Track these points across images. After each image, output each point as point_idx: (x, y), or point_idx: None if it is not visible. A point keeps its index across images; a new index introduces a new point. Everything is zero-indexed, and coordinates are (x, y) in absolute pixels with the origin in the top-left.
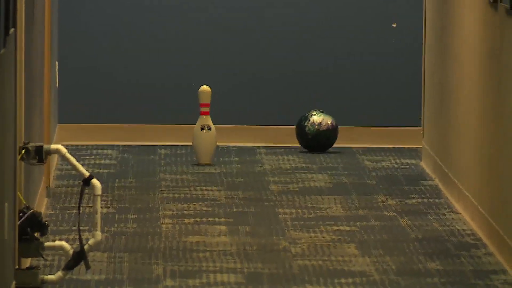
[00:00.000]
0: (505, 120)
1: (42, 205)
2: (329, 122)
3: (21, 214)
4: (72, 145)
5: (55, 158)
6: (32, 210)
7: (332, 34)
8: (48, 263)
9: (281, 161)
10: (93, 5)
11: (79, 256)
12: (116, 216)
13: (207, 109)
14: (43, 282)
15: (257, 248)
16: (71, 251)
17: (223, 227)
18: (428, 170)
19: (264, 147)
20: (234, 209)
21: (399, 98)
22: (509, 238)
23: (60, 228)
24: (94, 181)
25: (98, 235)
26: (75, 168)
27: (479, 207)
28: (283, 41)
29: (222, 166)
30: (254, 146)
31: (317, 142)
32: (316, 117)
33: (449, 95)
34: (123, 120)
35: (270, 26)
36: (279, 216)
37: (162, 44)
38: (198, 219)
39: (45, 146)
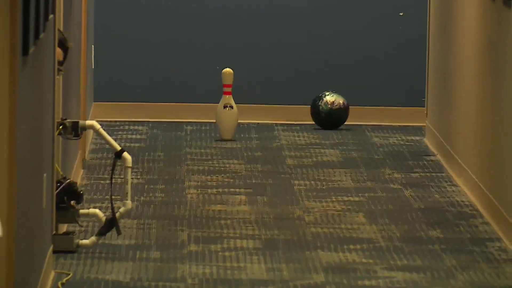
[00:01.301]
0: (501, 103)
1: (78, 176)
2: (341, 102)
3: (58, 184)
4: (105, 121)
5: (90, 133)
6: (68, 180)
7: (344, 22)
8: (82, 229)
9: (296, 138)
10: None
11: (111, 223)
12: (145, 186)
13: (229, 90)
14: (78, 246)
15: (273, 216)
16: (103, 218)
17: (243, 197)
18: (431, 147)
19: (281, 124)
20: (253, 181)
21: (405, 81)
22: (504, 209)
23: (94, 197)
24: (125, 154)
25: (129, 204)
26: (108, 142)
27: (477, 181)
28: (299, 28)
29: (243, 141)
30: (272, 123)
31: (330, 120)
32: (329, 97)
33: (450, 79)
34: (153, 99)
35: (287, 13)
36: (294, 187)
37: (189, 31)
38: (220, 190)
39: (81, 122)
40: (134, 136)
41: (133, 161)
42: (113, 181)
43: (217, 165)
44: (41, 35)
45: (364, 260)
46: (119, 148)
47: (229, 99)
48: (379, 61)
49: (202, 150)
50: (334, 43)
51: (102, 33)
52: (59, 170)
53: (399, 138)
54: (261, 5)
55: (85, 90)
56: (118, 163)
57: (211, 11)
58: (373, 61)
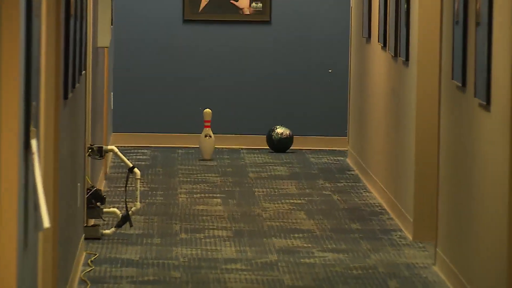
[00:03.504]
0: (401, 133)
1: (102, 185)
2: (288, 132)
3: (88, 191)
4: (121, 146)
5: (110, 155)
6: (95, 188)
7: (289, 76)
8: (105, 222)
9: (256, 158)
10: (138, 54)
11: (125, 218)
12: (149, 192)
13: (208, 124)
14: (102, 235)
15: (240, 214)
16: (120, 215)
17: (218, 200)
18: (351, 164)
19: (245, 149)
20: (226, 189)
21: (332, 117)
22: (403, 208)
23: (113, 200)
24: (136, 170)
25: (138, 204)
26: (123, 161)
27: (384, 188)
28: (260, 83)
29: (218, 161)
30: (239, 148)
31: (279, 146)
32: (279, 129)
33: (365, 116)
34: (154, 130)
35: (250, 71)
36: (255, 193)
37: (179, 84)
38: (202, 195)
39: (104, 147)
40: (141, 157)
41: (141, 175)
42: (127, 188)
43: (200, 177)
44: (77, 85)
45: (305, 245)
46: (131, 165)
47: (208, 130)
48: (315, 104)
49: (189, 167)
50: (283, 93)
51: (119, 85)
52: (89, 180)
53: (329, 158)
54: (235, 69)
55: (107, 124)
56: (130, 176)
57: (197, 71)
58: (310, 103)
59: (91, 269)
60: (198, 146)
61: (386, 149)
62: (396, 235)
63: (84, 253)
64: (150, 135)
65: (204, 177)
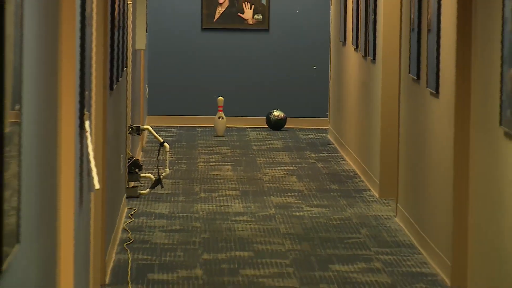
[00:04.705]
0: (370, 115)
1: (139, 156)
2: (282, 115)
3: (128, 160)
4: (154, 125)
5: (145, 133)
6: (134, 158)
7: (285, 68)
8: (142, 185)
9: (258, 135)
10: (166, 54)
11: (157, 181)
12: (176, 161)
13: (221, 108)
14: (140, 194)
15: (246, 178)
16: (153, 179)
17: (229, 167)
18: (331, 139)
19: (249, 127)
20: (235, 158)
21: (317, 103)
22: (371, 173)
23: (148, 167)
24: (165, 144)
25: (167, 171)
26: (155, 137)
27: (356, 157)
28: (263, 74)
29: (229, 137)
30: (245, 127)
31: (276, 125)
32: (276, 112)
33: (342, 103)
34: (180, 113)
35: (253, 67)
36: (257, 162)
37: (198, 75)
38: (216, 163)
39: (141, 126)
40: (169, 134)
41: (169, 148)
42: (159, 158)
43: (214, 150)
44: (120, 79)
45: (296, 201)
46: (161, 140)
47: (221, 113)
48: (303, 93)
49: (206, 142)
50: (279, 84)
51: (151, 77)
52: (129, 152)
53: (314, 135)
54: (241, 65)
55: (143, 108)
56: (161, 149)
57: (212, 68)
58: (300, 92)
59: (131, 221)
60: (213, 125)
61: (358, 127)
62: (366, 194)
63: (126, 209)
64: (176, 117)
65: (217, 150)
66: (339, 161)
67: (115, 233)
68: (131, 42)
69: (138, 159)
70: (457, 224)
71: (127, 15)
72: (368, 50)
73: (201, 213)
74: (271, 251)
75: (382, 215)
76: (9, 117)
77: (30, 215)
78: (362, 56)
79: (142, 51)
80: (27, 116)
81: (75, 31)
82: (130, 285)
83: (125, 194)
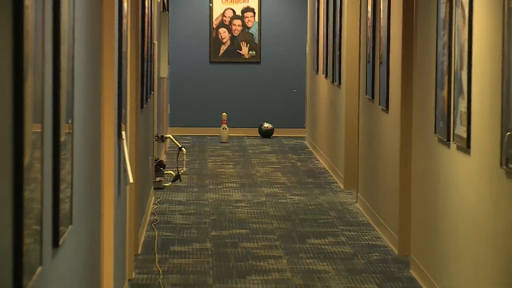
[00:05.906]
0: (336, 126)
1: (163, 158)
2: (270, 126)
3: (155, 161)
4: (174, 134)
5: (168, 140)
6: (159, 159)
7: (270, 94)
8: (165, 179)
9: (252, 141)
10: (183, 82)
11: (177, 177)
12: (191, 161)
13: (224, 121)
14: (164, 186)
15: (243, 174)
16: (174, 174)
17: (231, 166)
18: (308, 145)
19: (246, 136)
20: (235, 159)
21: (296, 117)
22: (338, 169)
23: (170, 166)
24: (183, 148)
25: (184, 169)
26: (175, 143)
27: (326, 158)
28: (252, 97)
29: (230, 143)
30: (243, 136)
31: (266, 134)
32: (266, 124)
33: (315, 115)
34: (193, 125)
35: (248, 91)
36: (252, 161)
37: (207, 97)
38: (221, 163)
39: (164, 135)
40: (186, 141)
41: (186, 151)
42: (178, 159)
43: (220, 153)
44: (148, 100)
45: (281, 191)
46: (180, 145)
47: (224, 125)
48: (287, 110)
49: (214, 147)
50: (268, 103)
51: (172, 98)
52: (156, 155)
53: (295, 142)
54: (239, 89)
55: (166, 121)
56: (180, 152)
57: (217, 91)
58: (283, 109)
59: (157, 207)
60: (219, 134)
61: (328, 135)
62: (334, 185)
63: (153, 197)
64: (191, 128)
65: (222, 153)
66: (313, 161)
67: (145, 215)
68: (156, 72)
69: (162, 160)
70: (402, 208)
71: (153, 51)
72: (335, 77)
73: (210, 200)
74: (262, 229)
75: (346, 202)
76: (64, 129)
77: (80, 203)
78: (331, 81)
79: (165, 78)
80: (77, 128)
81: (114, 63)
82: (156, 255)
83: (153, 186)
